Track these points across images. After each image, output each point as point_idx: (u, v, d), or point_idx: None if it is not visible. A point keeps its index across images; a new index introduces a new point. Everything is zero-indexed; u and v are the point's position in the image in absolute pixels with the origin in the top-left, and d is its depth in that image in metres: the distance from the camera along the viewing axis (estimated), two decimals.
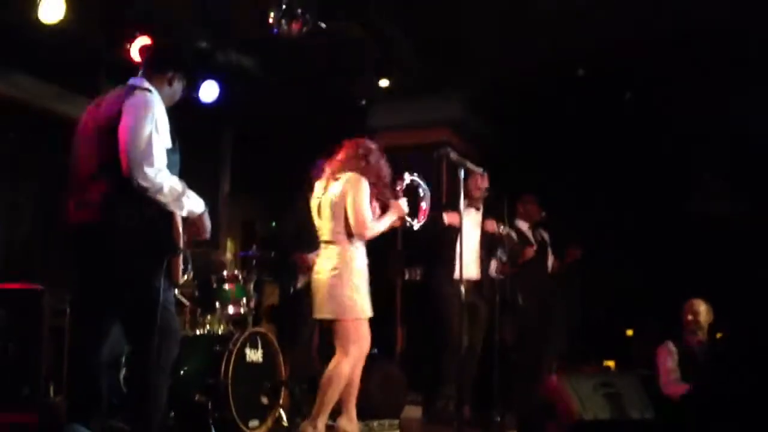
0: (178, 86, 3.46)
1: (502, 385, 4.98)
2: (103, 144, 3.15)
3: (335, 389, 4.01)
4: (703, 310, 5.10)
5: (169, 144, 3.22)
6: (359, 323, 4.07)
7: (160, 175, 3.09)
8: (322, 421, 4.03)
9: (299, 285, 5.53)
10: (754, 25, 5.26)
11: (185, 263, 3.29)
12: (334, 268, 4.03)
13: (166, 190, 3.10)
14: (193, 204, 3.25)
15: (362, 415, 4.88)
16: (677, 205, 7.04)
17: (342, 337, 4.05)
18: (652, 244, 6.86)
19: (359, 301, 4.04)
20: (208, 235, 3.40)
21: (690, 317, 5.10)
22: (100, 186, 3.15)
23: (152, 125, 3.11)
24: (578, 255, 6.42)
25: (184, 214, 3.23)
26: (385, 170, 4.20)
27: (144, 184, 3.06)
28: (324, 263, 4.10)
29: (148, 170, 3.05)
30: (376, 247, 4.36)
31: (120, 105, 3.17)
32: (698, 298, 5.17)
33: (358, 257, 4.09)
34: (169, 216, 3.19)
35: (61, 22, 4.89)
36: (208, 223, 3.36)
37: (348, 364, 4.03)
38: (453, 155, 4.00)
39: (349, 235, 4.06)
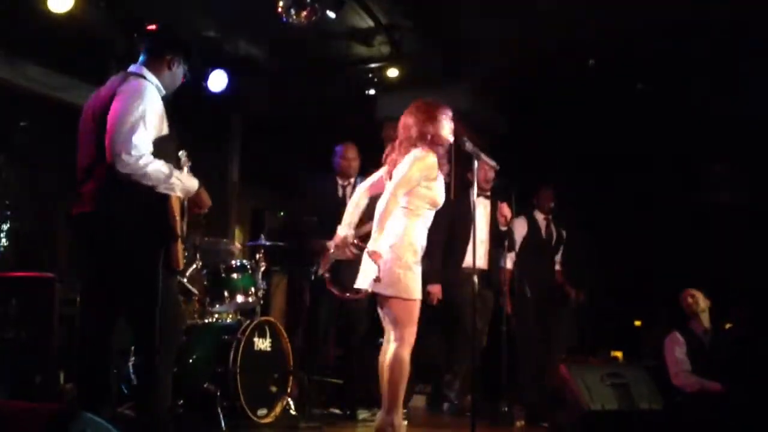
0: (178, 70, 3.42)
1: (509, 376, 4.99)
2: (97, 132, 3.15)
3: (396, 377, 3.67)
4: (698, 294, 5.15)
5: (164, 131, 3.19)
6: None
7: (142, 161, 3.04)
8: (398, 416, 3.70)
9: (321, 272, 5.51)
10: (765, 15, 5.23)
11: (187, 249, 3.27)
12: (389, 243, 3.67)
13: (150, 174, 3.07)
14: (185, 183, 3.23)
15: (368, 403, 4.92)
16: (686, 195, 7.01)
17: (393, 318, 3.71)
18: (661, 234, 6.85)
19: (406, 280, 3.64)
20: (206, 208, 3.39)
21: (690, 300, 5.13)
22: (96, 175, 3.15)
23: (139, 112, 3.08)
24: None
25: (179, 194, 3.22)
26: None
27: (123, 170, 3.04)
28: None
29: (125, 157, 3.02)
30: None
31: (113, 92, 3.16)
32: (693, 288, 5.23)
33: (410, 233, 3.68)
34: (164, 202, 3.16)
35: (71, 11, 4.91)
36: (206, 197, 3.35)
37: (403, 349, 3.69)
38: (468, 145, 3.97)
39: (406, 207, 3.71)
